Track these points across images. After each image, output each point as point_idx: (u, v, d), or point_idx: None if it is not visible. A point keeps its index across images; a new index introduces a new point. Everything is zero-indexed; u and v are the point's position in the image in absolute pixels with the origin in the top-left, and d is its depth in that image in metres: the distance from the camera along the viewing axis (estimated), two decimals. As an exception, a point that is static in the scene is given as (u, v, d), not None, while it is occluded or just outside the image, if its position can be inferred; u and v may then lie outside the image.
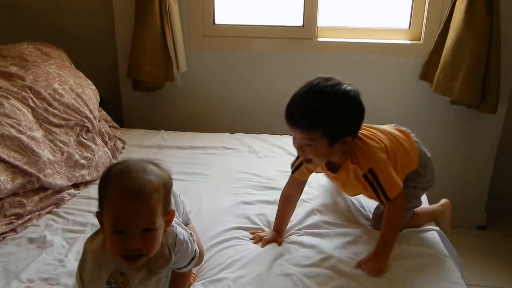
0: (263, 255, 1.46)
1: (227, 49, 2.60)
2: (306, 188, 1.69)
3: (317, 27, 2.52)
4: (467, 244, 2.51)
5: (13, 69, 2.03)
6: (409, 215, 1.61)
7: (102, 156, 2.03)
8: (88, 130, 2.06)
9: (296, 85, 2.57)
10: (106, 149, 2.09)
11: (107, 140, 2.17)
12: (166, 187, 1.05)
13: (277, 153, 2.25)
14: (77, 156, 1.92)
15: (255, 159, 2.19)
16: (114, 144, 2.19)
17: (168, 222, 1.08)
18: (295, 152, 2.20)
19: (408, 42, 2.49)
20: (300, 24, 2.53)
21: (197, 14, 2.55)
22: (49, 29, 2.70)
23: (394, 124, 1.70)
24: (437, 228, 1.64)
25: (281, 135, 2.44)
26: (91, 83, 2.25)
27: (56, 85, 2.04)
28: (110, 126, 2.34)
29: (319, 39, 2.53)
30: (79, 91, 2.11)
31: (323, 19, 2.53)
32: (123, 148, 2.25)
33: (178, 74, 2.58)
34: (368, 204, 1.75)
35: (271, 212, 1.69)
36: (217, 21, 2.60)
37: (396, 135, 1.59)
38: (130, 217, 0.98)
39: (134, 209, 0.98)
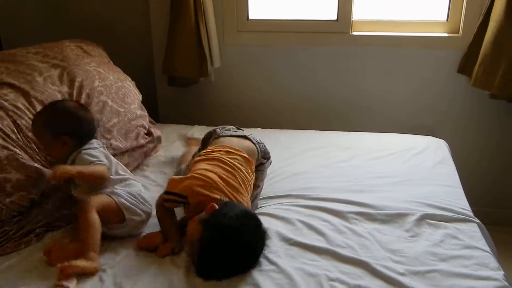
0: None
1: (261, 44, 2.60)
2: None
3: (352, 20, 2.49)
4: (508, 241, 2.44)
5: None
6: None
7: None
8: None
9: (331, 80, 2.57)
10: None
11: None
12: (47, 116, 1.59)
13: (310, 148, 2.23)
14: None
15: (287, 155, 2.18)
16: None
17: (63, 144, 1.58)
18: (325, 147, 2.21)
19: (446, 35, 2.44)
20: (335, 18, 2.51)
21: (231, 10, 2.57)
22: (85, 26, 2.76)
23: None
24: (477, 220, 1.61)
25: (316, 130, 2.43)
26: (129, 77, 2.28)
27: (96, 83, 2.05)
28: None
29: (354, 33, 2.50)
30: (119, 85, 2.14)
31: (358, 13, 2.51)
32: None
33: (212, 69, 2.60)
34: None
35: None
36: (250, 17, 2.61)
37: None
38: None
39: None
